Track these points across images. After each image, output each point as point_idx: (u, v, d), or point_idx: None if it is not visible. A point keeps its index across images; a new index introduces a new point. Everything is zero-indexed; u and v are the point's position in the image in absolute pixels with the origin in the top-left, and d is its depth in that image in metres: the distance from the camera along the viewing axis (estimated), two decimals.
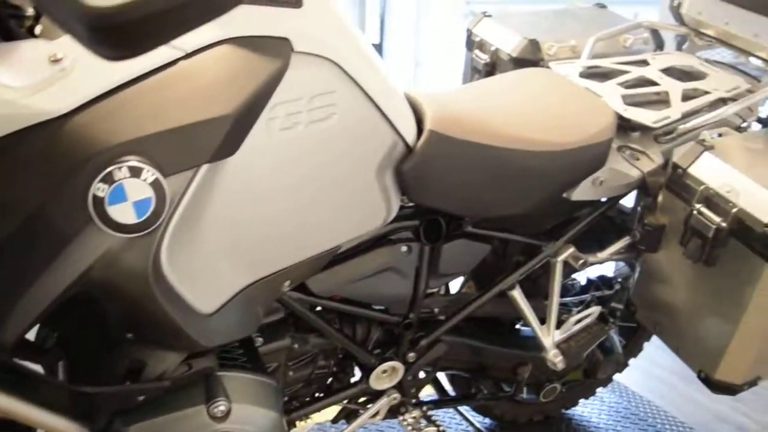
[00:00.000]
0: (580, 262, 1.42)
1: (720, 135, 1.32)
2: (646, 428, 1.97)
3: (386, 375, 1.38)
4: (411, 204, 1.24)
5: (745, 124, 1.47)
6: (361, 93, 1.04)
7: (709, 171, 1.22)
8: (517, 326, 1.65)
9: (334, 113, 1.02)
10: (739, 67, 1.59)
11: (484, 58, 1.70)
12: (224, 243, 0.99)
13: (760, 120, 1.53)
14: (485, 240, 1.37)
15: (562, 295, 1.63)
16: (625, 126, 1.37)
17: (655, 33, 1.73)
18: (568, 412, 1.98)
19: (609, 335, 1.63)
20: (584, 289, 1.68)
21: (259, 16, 0.91)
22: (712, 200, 1.19)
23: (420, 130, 1.15)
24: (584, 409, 2.01)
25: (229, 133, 0.89)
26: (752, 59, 1.51)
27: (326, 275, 1.23)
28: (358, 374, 1.42)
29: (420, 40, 4.80)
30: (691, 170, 1.24)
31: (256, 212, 1.01)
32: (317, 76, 0.98)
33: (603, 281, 1.69)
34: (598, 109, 1.35)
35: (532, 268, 1.41)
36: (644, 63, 1.56)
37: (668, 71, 1.52)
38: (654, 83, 1.47)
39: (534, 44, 1.61)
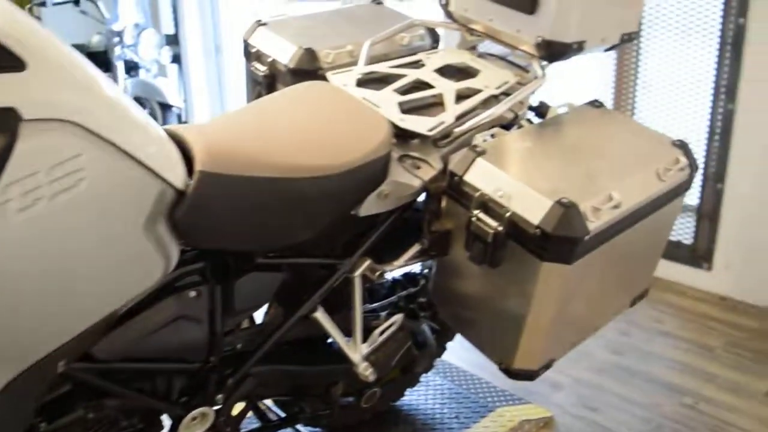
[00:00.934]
0: (377, 273, 1.41)
1: (493, 136, 1.35)
2: (470, 405, 2.03)
3: (197, 422, 1.31)
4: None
5: (519, 117, 1.51)
6: (113, 149, 0.94)
7: (482, 177, 1.24)
8: (330, 340, 1.62)
9: (82, 178, 0.91)
10: (509, 58, 1.63)
11: (262, 70, 1.63)
12: None
13: (531, 108, 1.58)
14: (278, 268, 1.32)
15: (371, 300, 1.62)
16: (404, 134, 1.36)
17: (431, 29, 1.74)
18: (397, 403, 2.01)
19: (420, 329, 1.65)
20: (392, 290, 1.68)
21: None
22: (488, 205, 1.21)
23: (191, 170, 1.07)
24: (411, 397, 2.04)
25: None
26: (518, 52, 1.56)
27: (110, 340, 1.13)
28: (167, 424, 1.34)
29: (218, 26, 4.63)
30: (467, 177, 1.26)
31: (5, 302, 0.89)
32: (57, 142, 0.87)
33: (408, 279, 1.71)
34: (375, 123, 1.33)
35: (330, 287, 1.38)
36: (419, 64, 1.56)
37: (443, 71, 1.53)
38: (429, 86, 1.47)
39: (310, 54, 1.56)
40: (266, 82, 1.63)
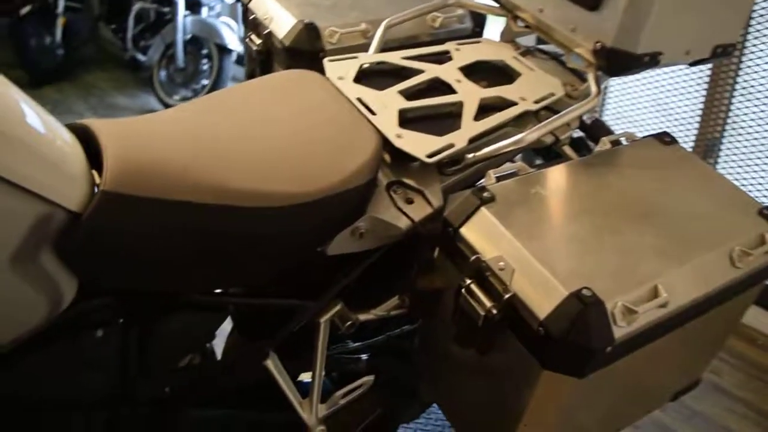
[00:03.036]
0: (347, 324, 1.09)
1: (514, 173, 0.99)
2: None
3: None
4: None
5: (561, 142, 1.14)
6: None
7: (483, 235, 0.89)
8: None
9: None
10: (563, 59, 1.24)
11: (257, 44, 1.30)
12: None
13: (580, 126, 1.20)
14: (221, 308, 1.02)
15: (352, 337, 1.31)
16: (401, 154, 1.02)
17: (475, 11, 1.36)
18: None
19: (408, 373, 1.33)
20: (382, 325, 1.36)
21: None
22: (484, 276, 0.87)
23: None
24: None
25: None
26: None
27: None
28: None
29: None
30: (463, 231, 0.91)
31: None
32: None
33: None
34: (360, 139, 0.99)
35: (288, 331, 1.07)
36: (445, 56, 1.20)
37: (472, 69, 1.17)
38: (449, 88, 1.12)
39: (311, 30, 1.22)
40: (260, 59, 1.30)
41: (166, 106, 3.64)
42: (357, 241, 0.99)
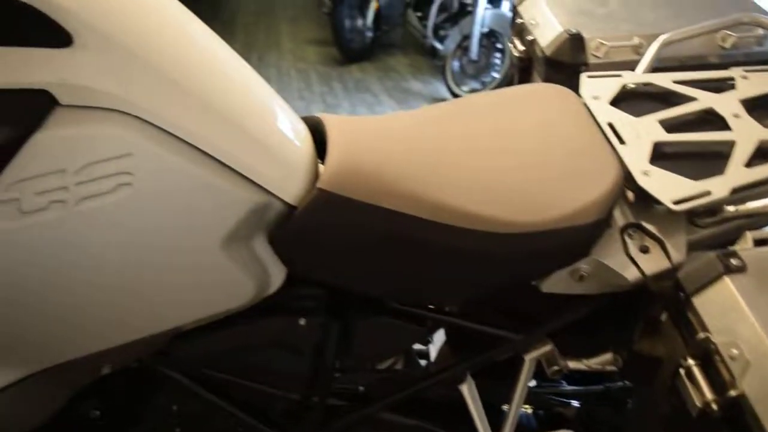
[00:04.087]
0: (554, 368, 0.99)
1: None
2: None
3: None
4: None
5: None
6: (189, 151, 0.71)
7: (720, 311, 0.73)
8: None
9: (124, 184, 0.69)
10: None
11: (519, 50, 1.22)
12: None
13: None
14: (422, 322, 0.99)
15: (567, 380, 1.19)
16: (645, 194, 0.88)
17: None
18: None
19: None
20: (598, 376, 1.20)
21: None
22: (712, 360, 0.71)
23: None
24: None
25: None
26: None
27: (192, 344, 0.94)
28: None
29: None
30: (697, 300, 0.75)
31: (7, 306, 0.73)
32: (99, 136, 0.66)
33: None
34: (599, 172, 0.87)
35: (490, 360, 1.00)
36: (727, 83, 1.01)
37: (759, 103, 0.97)
38: (722, 123, 0.94)
39: (575, 41, 1.11)
40: (520, 66, 1.22)
41: (454, 95, 3.71)
42: (576, 283, 0.88)
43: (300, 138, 0.84)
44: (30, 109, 0.64)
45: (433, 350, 1.17)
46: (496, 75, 3.69)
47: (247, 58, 0.87)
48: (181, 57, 0.72)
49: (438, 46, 3.95)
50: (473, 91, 3.75)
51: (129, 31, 0.68)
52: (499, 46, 3.67)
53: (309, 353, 0.98)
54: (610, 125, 0.94)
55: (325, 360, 0.98)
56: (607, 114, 0.96)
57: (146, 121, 0.68)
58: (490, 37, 3.66)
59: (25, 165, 0.64)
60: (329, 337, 0.96)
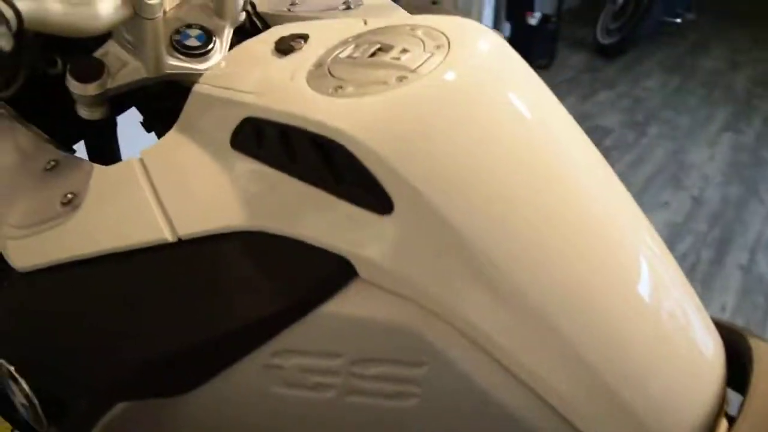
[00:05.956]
0: None
1: None
2: None
3: None
4: None
5: None
6: (513, 384, 0.48)
7: None
8: None
9: (405, 393, 0.51)
10: None
11: None
12: None
13: None
14: None
15: None
16: None
17: None
18: None
19: None
20: None
21: (317, 212, 0.49)
22: None
23: None
24: None
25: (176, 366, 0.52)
26: None
27: None
28: None
29: None
30: None
31: None
32: (395, 329, 0.49)
33: None
34: None
35: None
36: None
37: None
38: None
39: None
40: None
41: None
42: None
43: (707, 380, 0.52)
44: (329, 276, 0.49)
45: None
46: None
47: None
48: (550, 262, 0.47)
49: None
50: None
51: (464, 206, 0.46)
52: None
53: None
54: None
55: None
56: None
57: (459, 330, 0.47)
58: None
59: (300, 335, 0.50)
60: None
